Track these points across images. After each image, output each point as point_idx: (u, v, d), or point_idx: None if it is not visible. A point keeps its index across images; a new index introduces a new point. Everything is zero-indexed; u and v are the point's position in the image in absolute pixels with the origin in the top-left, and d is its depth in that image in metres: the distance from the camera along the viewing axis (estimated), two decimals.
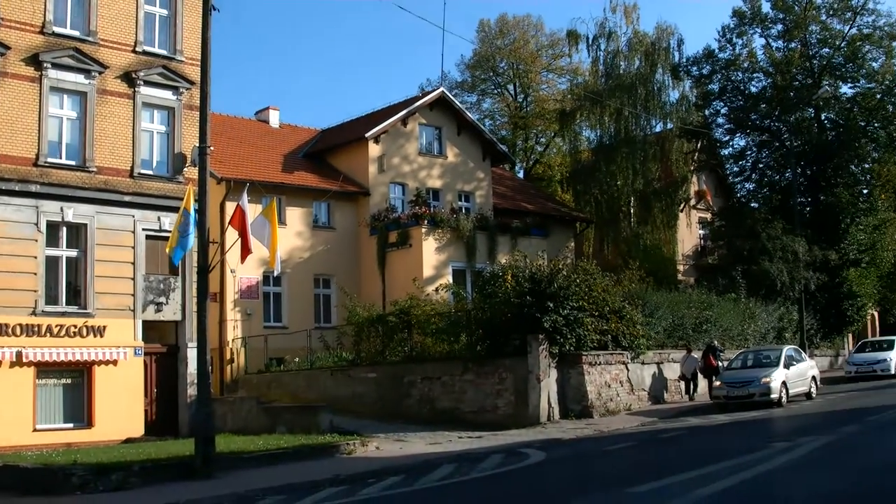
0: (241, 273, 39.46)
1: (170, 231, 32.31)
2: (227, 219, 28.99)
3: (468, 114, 51.52)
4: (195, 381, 23.84)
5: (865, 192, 60.87)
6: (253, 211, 25.89)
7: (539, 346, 29.94)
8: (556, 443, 25.57)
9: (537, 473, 20.09)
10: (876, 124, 58.12)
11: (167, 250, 25.09)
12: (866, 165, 60.70)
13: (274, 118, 50.71)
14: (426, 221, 42.42)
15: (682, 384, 37.16)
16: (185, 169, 34.48)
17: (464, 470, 20.69)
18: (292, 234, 42.02)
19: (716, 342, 38.74)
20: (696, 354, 37.76)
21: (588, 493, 16.65)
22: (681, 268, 57.98)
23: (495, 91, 77.08)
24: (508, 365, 30.71)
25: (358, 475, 20.37)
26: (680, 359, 37.52)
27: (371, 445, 25.74)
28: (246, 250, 23.22)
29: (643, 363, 34.76)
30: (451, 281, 40.75)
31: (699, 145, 59.85)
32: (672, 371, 37.17)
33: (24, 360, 30.12)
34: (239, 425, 31.62)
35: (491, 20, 74.83)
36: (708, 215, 62.22)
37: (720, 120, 60.85)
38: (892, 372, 44.50)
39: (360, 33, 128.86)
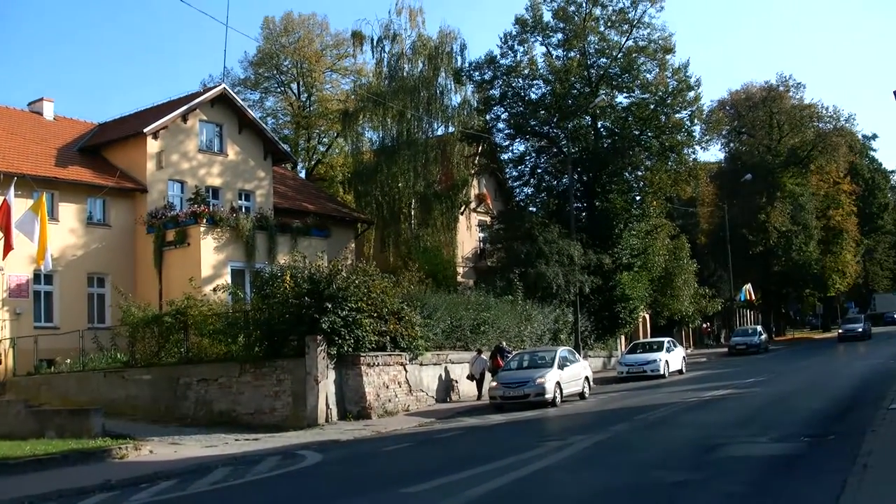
0: (10, 271, 37.96)
1: None
2: None
3: (250, 112, 50.85)
4: None
5: (638, 198, 62.85)
6: (22, 206, 25.04)
7: (317, 348, 29.81)
8: (333, 444, 25.48)
9: (313, 475, 20.03)
10: (649, 133, 60.05)
11: None
12: (639, 173, 62.61)
13: (48, 110, 48.90)
14: (205, 220, 41.60)
15: (475, 384, 37.75)
16: None
17: (239, 473, 20.42)
18: (65, 230, 40.67)
19: (504, 343, 39.54)
20: (485, 356, 38.39)
21: (363, 494, 16.61)
22: (460, 270, 58.70)
23: (278, 89, 76.53)
24: (286, 366, 30.50)
25: (129, 480, 19.81)
26: (469, 359, 38.15)
27: (144, 449, 25.09)
28: (8, 247, 22.42)
29: (422, 364, 35.05)
30: (229, 281, 40.08)
31: (480, 149, 60.76)
32: (455, 372, 37.64)
33: None
34: (5, 430, 30.24)
35: (276, 18, 74.39)
36: (488, 218, 63.27)
37: (501, 125, 61.65)
38: (662, 372, 46.14)
39: (143, 26, 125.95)
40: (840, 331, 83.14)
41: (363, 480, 18.69)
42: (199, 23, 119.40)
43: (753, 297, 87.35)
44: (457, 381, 37.95)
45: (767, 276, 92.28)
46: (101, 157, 45.64)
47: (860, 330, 79.89)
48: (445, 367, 37.05)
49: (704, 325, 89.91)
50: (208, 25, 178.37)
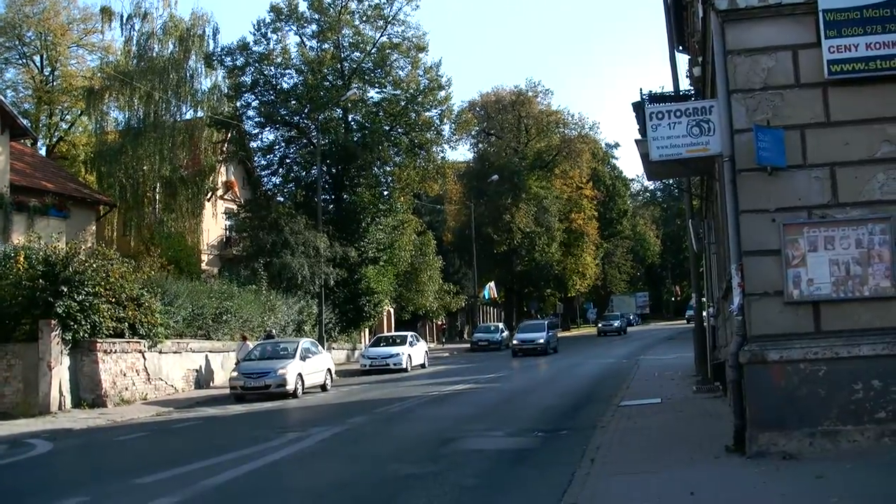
0: None
1: None
2: None
3: None
4: None
5: (386, 193, 63.53)
6: None
7: (51, 333, 28.89)
8: (65, 433, 24.79)
9: (42, 465, 19.47)
10: (399, 130, 60.78)
11: None
12: (388, 168, 63.31)
13: None
14: None
15: None
16: None
17: None
18: None
19: (274, 331, 39.54)
20: (251, 343, 38.19)
21: (94, 483, 16.21)
22: (205, 258, 57.94)
23: (20, 61, 73.28)
24: (17, 351, 29.39)
25: None
26: (235, 347, 38.83)
27: None
28: None
29: (161, 352, 34.40)
30: None
31: (229, 136, 59.99)
32: (196, 361, 37.31)
33: None
34: None
35: None
36: (235, 207, 62.54)
37: (251, 113, 61.22)
38: (404, 366, 46.77)
39: None
40: (600, 325, 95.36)
41: (95, 470, 18.27)
42: None
43: (497, 295, 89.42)
44: (198, 371, 37.45)
45: (511, 274, 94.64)
46: None
47: (616, 325, 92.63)
48: (206, 356, 36.81)
49: (439, 323, 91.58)
50: None
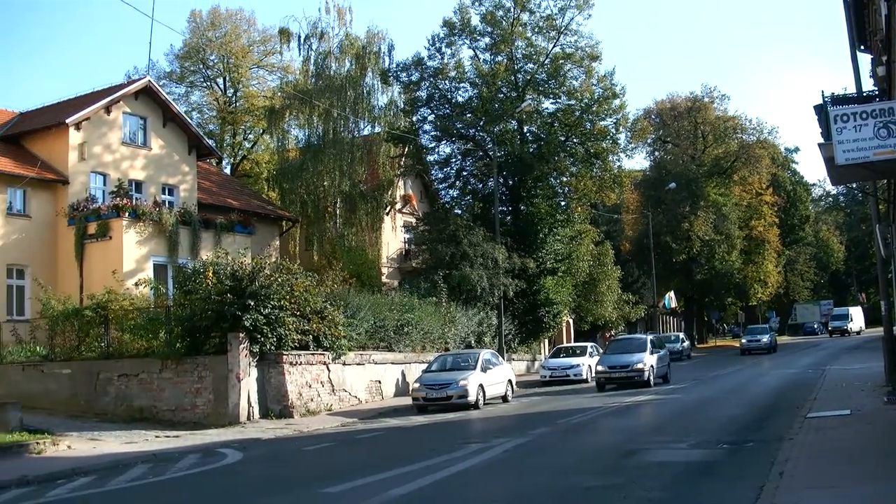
0: None
1: None
2: None
3: (174, 105, 50.42)
4: None
5: (563, 204, 63.26)
6: None
7: (239, 345, 29.64)
8: (254, 442, 25.40)
9: (233, 474, 19.95)
10: (574, 140, 60.43)
11: None
12: (564, 178, 63.07)
13: None
14: (127, 214, 41.21)
15: None
16: None
17: (158, 470, 20.29)
18: None
19: (451, 345, 40.00)
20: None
21: (284, 493, 16.58)
22: (385, 270, 58.64)
23: (204, 84, 75.88)
24: (208, 363, 30.26)
25: (46, 476, 19.58)
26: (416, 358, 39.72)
27: (63, 444, 24.77)
28: None
29: (345, 364, 34.94)
30: (151, 276, 39.64)
31: (406, 150, 60.66)
32: (378, 373, 37.65)
33: None
34: None
35: (203, 12, 73.85)
36: (413, 220, 63.14)
37: (427, 127, 61.64)
38: (584, 377, 46.41)
39: (66, 15, 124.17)
40: (744, 340, 76.78)
41: (284, 479, 18.61)
42: (124, 14, 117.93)
43: (676, 305, 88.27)
44: (380, 382, 37.90)
45: (690, 283, 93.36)
46: (21, 146, 44.90)
47: (764, 341, 74.65)
48: (369, 368, 37.02)
49: (607, 335, 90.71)
50: (134, 17, 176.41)
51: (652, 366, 40.95)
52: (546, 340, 66.24)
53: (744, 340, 76.16)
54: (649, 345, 42.72)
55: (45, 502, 16.84)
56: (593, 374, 45.50)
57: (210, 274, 31.31)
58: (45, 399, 33.28)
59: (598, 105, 59.38)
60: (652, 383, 40.11)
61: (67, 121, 43.28)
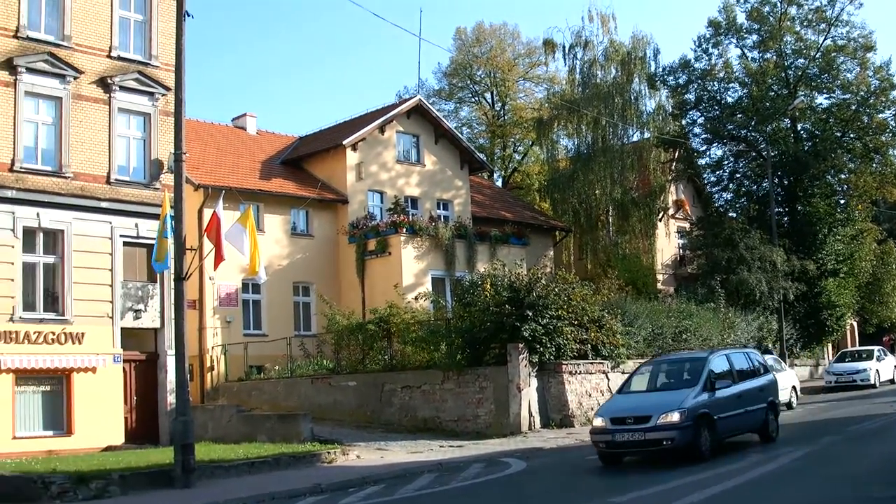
0: (221, 280, 39.30)
1: (147, 238, 32.58)
2: (205, 225, 28.84)
3: (445, 122, 51.40)
4: (175, 388, 23.58)
5: (842, 202, 61.01)
6: (231, 218, 25.78)
7: (519, 355, 29.81)
8: (536, 452, 25.49)
9: (518, 483, 20.05)
10: (851, 135, 58.21)
11: (156, 259, 25.10)
12: (843, 176, 60.81)
13: (251, 125, 50.42)
14: (405, 229, 42.26)
15: None
16: (162, 175, 34.17)
17: (445, 479, 20.63)
18: (271, 241, 41.70)
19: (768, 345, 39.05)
20: None
21: (569, 501, 16.55)
22: (660, 277, 57.95)
23: (473, 99, 77.08)
24: (488, 374, 30.58)
25: (338, 484, 20.24)
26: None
27: (352, 454, 25.60)
28: (219, 257, 23.08)
29: (623, 373, 34.53)
30: (430, 289, 40.52)
31: (676, 155, 59.87)
32: None
33: (3, 367, 29.72)
34: (219, 433, 31.34)
35: (468, 28, 74.97)
36: (686, 225, 62.25)
37: (697, 129, 60.72)
38: (872, 382, 44.61)
39: (336, 41, 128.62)
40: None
41: (568, 489, 18.64)
42: (391, 35, 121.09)
43: None
44: None
45: None
46: (302, 169, 46.79)
47: None
48: None
49: (886, 338, 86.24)
50: (402, 38, 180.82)
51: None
52: (829, 345, 63.94)
53: None
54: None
55: None
56: (881, 379, 43.65)
57: (488, 286, 31.72)
58: (332, 410, 34.46)
59: (876, 97, 56.92)
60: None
61: (344, 142, 44.82)
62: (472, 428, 30.28)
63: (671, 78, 58.89)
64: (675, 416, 20.26)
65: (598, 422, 21.50)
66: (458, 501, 18.28)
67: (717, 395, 21.65)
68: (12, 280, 30.57)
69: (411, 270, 42.13)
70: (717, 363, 23.22)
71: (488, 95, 76.46)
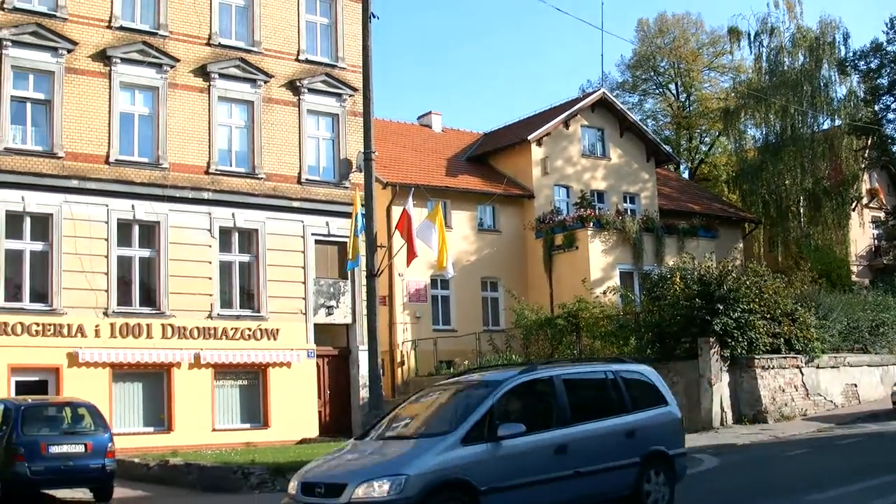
0: (409, 276, 39.91)
1: (338, 236, 33.50)
2: (394, 223, 29.43)
3: (630, 115, 51.07)
4: (367, 383, 24.06)
5: None
6: (418, 215, 26.21)
7: (710, 350, 29.48)
8: (729, 448, 25.13)
9: (711, 479, 19.81)
10: None
11: (350, 255, 25.66)
12: None
13: (436, 122, 50.93)
14: (591, 224, 42.17)
15: None
16: (351, 174, 35.01)
17: None
18: (458, 237, 42.04)
19: None
20: None
21: (767, 499, 16.29)
22: (854, 269, 56.29)
23: (657, 91, 76.21)
24: (679, 368, 30.26)
25: None
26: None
27: None
28: (411, 254, 23.44)
29: (818, 367, 33.76)
30: (617, 283, 40.35)
31: (870, 142, 58.10)
32: (854, 376, 36.02)
33: (202, 361, 31.11)
34: None
35: (650, 19, 74.06)
36: (881, 214, 60.35)
37: (891, 115, 58.87)
38: None
39: (517, 36, 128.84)
40: None
41: (764, 486, 18.28)
42: (572, 28, 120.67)
43: None
44: (856, 385, 36.29)
45: None
46: (487, 165, 47.08)
47: None
48: (844, 371, 35.46)
49: None
50: (583, 31, 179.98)
51: None
52: None
53: None
54: None
55: None
56: None
57: (677, 279, 31.40)
58: None
59: None
60: None
61: (529, 137, 44.94)
62: None
63: (862, 62, 57.24)
64: (382, 487, 12.31)
65: (291, 486, 13.90)
66: None
67: (504, 448, 13.15)
68: (210, 278, 31.89)
69: (598, 265, 42.00)
70: (521, 393, 14.29)
71: (673, 86, 75.47)
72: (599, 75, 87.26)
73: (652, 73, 75.11)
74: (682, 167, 71.12)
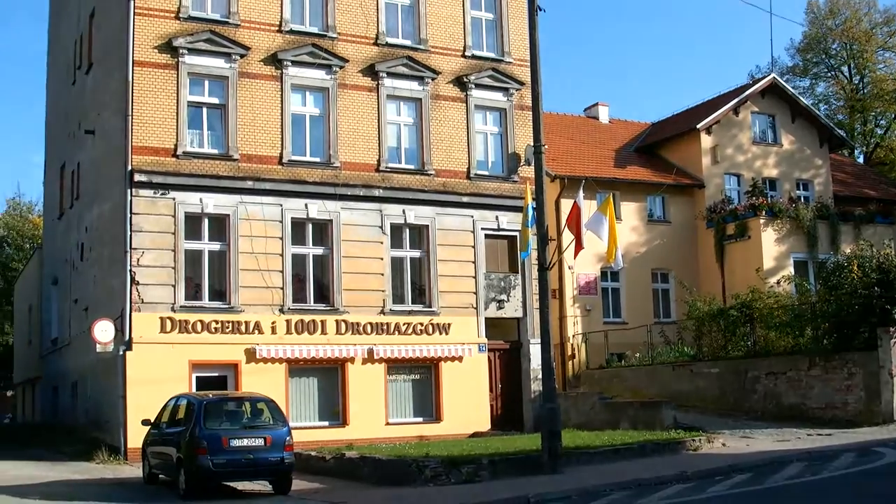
0: (579, 269, 39.91)
1: (508, 230, 33.76)
2: (562, 216, 29.51)
3: (802, 99, 49.90)
4: (538, 376, 24.22)
5: None
6: (588, 207, 26.18)
7: (890, 340, 28.50)
8: None
9: (893, 473, 19.30)
10: None
11: (520, 248, 25.83)
12: None
13: (603, 114, 50.65)
14: (764, 212, 41.42)
15: None
16: (520, 168, 35.12)
17: (814, 469, 20.17)
18: (627, 228, 41.81)
19: None
20: None
21: None
22: None
23: (828, 74, 74.20)
24: (857, 359, 29.33)
25: (704, 472, 20.19)
26: None
27: (717, 442, 25.46)
28: (578, 246, 23.41)
29: None
30: (792, 272, 39.53)
31: None
32: None
33: (375, 356, 31.73)
34: (581, 420, 31.95)
35: (820, 1, 72.26)
36: None
37: None
38: None
39: (681, 24, 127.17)
40: None
41: None
42: (735, 13, 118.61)
43: None
44: None
45: None
46: (656, 155, 46.62)
47: None
48: None
49: None
50: (750, 16, 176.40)
51: None
52: None
53: None
54: None
55: (707, 497, 17.29)
56: None
57: (855, 267, 30.57)
58: (694, 397, 34.18)
59: None
60: None
61: (698, 126, 44.36)
62: (841, 416, 29.17)
63: None
64: None
65: None
66: (833, 493, 17.76)
67: None
68: (382, 274, 32.45)
69: (771, 254, 41.27)
70: None
71: (845, 69, 73.46)
72: (769, 60, 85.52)
73: (823, 56, 73.15)
74: (856, 152, 69.14)
